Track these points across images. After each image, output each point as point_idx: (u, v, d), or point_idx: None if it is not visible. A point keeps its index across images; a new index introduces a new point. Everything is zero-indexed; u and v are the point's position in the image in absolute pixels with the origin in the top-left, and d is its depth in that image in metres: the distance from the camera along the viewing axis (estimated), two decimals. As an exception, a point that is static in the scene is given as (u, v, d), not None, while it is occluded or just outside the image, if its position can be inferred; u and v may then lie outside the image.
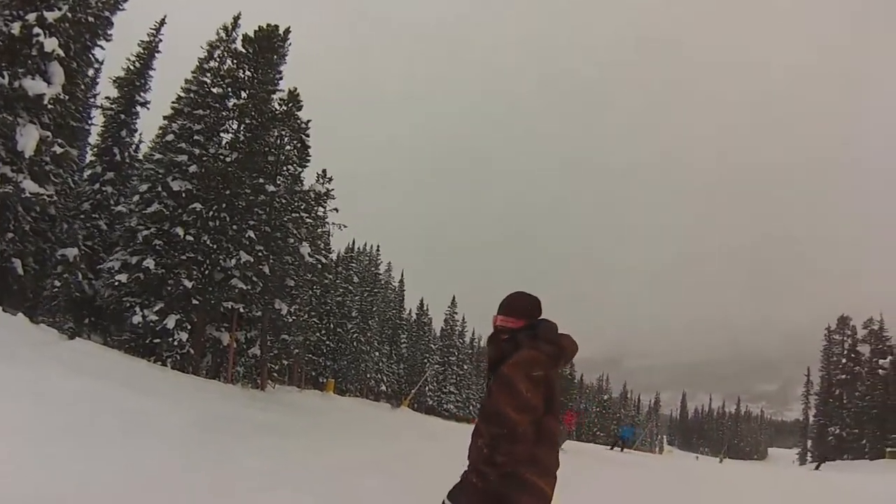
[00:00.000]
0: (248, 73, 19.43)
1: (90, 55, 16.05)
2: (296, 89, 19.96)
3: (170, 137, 18.05)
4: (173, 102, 18.81)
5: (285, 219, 19.43)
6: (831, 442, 45.61)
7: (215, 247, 17.75)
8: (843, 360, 47.55)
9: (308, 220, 20.64)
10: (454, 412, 52.93)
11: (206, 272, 17.58)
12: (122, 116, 20.08)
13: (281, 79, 20.24)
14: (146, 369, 12.64)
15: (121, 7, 16.60)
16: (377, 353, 46.50)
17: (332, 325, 39.93)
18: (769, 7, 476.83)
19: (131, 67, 20.12)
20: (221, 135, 18.93)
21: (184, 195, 17.42)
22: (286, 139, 19.89)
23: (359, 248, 46.45)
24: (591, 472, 10.94)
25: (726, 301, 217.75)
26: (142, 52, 20.33)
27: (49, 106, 13.16)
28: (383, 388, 47.50)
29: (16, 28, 12.44)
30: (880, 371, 42.99)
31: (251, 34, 19.53)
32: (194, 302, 17.12)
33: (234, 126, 19.14)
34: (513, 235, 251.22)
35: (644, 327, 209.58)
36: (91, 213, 19.41)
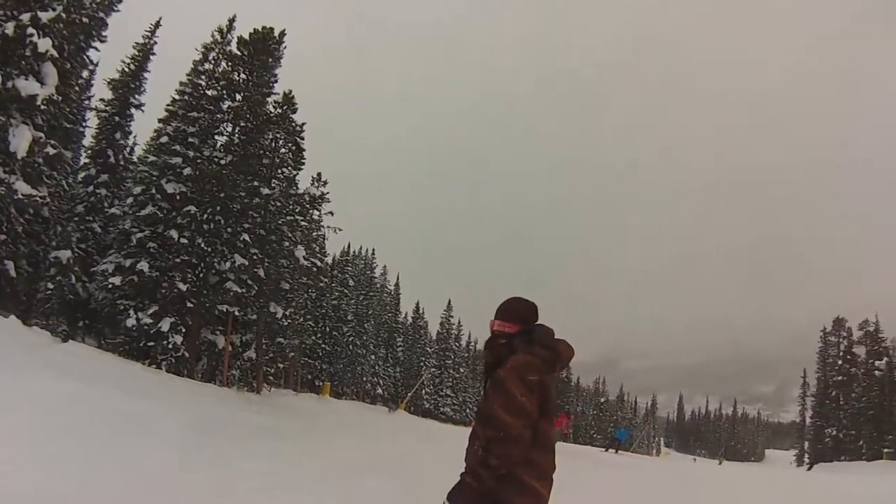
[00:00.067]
0: (243, 75, 19.38)
1: (84, 56, 15.94)
2: (291, 92, 19.93)
3: (164, 140, 17.95)
4: (168, 105, 18.73)
5: (280, 222, 19.37)
6: (828, 444, 45.71)
7: (210, 250, 17.66)
8: (839, 362, 47.66)
9: (303, 223, 20.56)
10: (451, 415, 52.90)
11: (201, 275, 17.48)
12: (117, 118, 20.00)
13: (276, 81, 20.21)
14: (140, 372, 12.55)
15: (115, 8, 16.50)
16: (373, 357, 46.40)
17: (327, 329, 39.83)
18: (767, 7, 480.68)
19: (126, 69, 20.05)
20: (216, 137, 18.86)
21: (178, 198, 17.34)
22: (281, 142, 19.83)
23: (354, 252, 46.36)
24: (588, 474, 10.90)
25: (724, 301, 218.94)
26: (136, 53, 20.26)
27: (42, 107, 13.07)
28: (380, 391, 47.37)
29: (9, 28, 12.34)
30: (876, 372, 43.07)
31: (246, 36, 19.50)
32: (189, 305, 17.01)
33: (229, 129, 19.08)
34: (510, 236, 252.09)
35: (642, 328, 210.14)
36: (85, 216, 19.32)
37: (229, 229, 18.06)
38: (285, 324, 20.48)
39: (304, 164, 20.47)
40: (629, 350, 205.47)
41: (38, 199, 13.56)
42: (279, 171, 19.72)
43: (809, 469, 38.01)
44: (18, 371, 7.23)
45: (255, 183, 18.55)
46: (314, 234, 23.28)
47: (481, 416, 2.22)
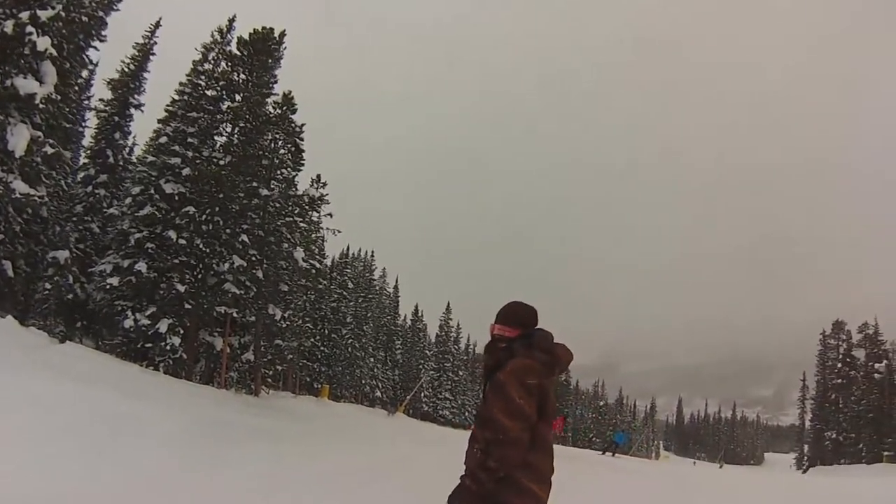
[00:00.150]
0: (242, 75, 19.38)
1: (84, 56, 15.92)
2: (290, 92, 19.93)
3: (163, 140, 17.93)
4: (167, 105, 18.73)
5: (279, 223, 19.33)
6: (828, 447, 45.71)
7: (208, 251, 17.61)
8: (839, 365, 47.67)
9: (302, 224, 20.53)
10: (450, 418, 52.77)
11: (199, 276, 17.43)
12: (116, 119, 19.99)
13: (276, 82, 20.21)
14: (138, 374, 12.49)
15: (115, 7, 16.49)
16: (372, 360, 46.34)
17: (326, 331, 39.78)
18: (767, 8, 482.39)
19: (125, 69, 20.05)
20: (215, 138, 18.85)
21: (177, 198, 17.30)
22: (280, 143, 19.83)
23: (353, 254, 46.33)
24: (586, 477, 10.83)
25: (724, 302, 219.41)
26: (136, 54, 20.26)
27: (41, 106, 13.04)
28: (378, 394, 47.29)
29: (8, 26, 12.30)
30: (876, 375, 43.10)
31: (246, 37, 19.50)
32: (187, 306, 16.95)
33: (228, 129, 19.07)
34: (511, 236, 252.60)
35: (641, 328, 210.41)
36: (83, 216, 19.28)
37: (228, 230, 18.01)
38: (284, 326, 20.43)
39: (303, 164, 20.47)
40: (628, 351, 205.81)
41: (36, 198, 13.51)
42: (278, 172, 19.70)
43: (805, 472, 37.94)
44: (16, 371, 7.20)
45: (254, 184, 18.52)
46: (313, 235, 23.23)
47: (480, 418, 2.24)
